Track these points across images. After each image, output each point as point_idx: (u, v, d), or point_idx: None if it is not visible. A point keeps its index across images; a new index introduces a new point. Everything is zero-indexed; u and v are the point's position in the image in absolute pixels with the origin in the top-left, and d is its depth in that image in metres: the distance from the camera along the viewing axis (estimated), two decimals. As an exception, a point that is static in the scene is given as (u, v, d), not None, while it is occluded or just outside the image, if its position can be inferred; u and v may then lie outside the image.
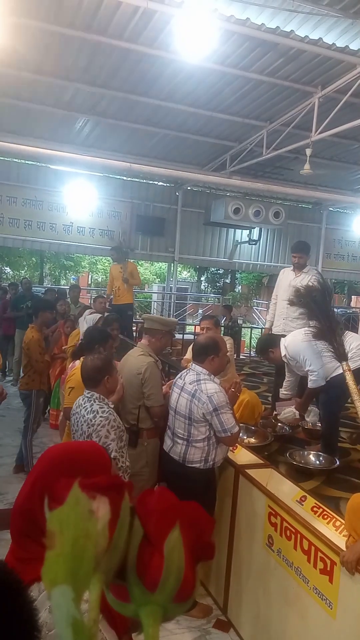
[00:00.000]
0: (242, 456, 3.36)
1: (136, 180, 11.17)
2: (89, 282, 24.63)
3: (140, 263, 17.58)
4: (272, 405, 4.71)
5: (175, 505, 0.51)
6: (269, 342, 4.17)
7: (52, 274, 23.39)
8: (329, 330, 3.41)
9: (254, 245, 12.31)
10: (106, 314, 6.00)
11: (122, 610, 0.48)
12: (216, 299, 18.96)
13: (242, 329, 12.15)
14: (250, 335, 12.58)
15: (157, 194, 11.30)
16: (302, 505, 2.72)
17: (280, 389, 4.21)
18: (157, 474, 3.38)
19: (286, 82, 6.35)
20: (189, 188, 11.43)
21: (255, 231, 12.11)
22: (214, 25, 4.90)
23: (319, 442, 3.87)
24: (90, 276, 25.00)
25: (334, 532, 2.46)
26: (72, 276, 23.06)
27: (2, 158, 9.83)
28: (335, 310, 4.14)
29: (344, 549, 2.28)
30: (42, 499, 0.71)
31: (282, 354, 3.90)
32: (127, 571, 0.47)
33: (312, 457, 3.55)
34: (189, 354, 4.06)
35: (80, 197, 10.19)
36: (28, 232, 10.20)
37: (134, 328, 8.69)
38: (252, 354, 10.76)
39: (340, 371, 3.41)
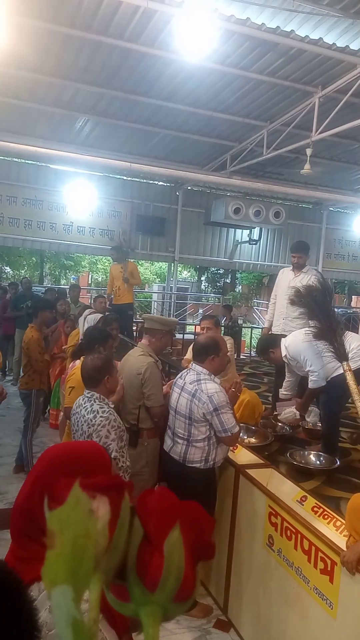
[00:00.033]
0: (243, 456, 3.36)
1: (136, 180, 11.17)
2: (89, 282, 24.63)
3: (140, 263, 17.58)
4: (272, 405, 4.70)
5: (176, 505, 0.51)
6: (270, 342, 4.17)
7: (52, 273, 23.40)
8: (329, 330, 3.41)
9: (254, 245, 12.31)
10: (106, 313, 6.00)
11: (122, 610, 0.48)
12: (216, 299, 18.96)
13: (243, 329, 12.15)
14: (251, 335, 12.58)
15: (158, 194, 11.30)
16: (303, 505, 2.72)
17: (280, 390, 4.21)
18: (158, 473, 3.38)
19: (286, 82, 6.35)
20: (189, 188, 11.43)
21: (256, 231, 12.10)
22: (214, 25, 4.90)
23: (319, 442, 3.87)
24: (90, 276, 25.00)
25: (334, 532, 2.46)
26: (72, 276, 23.05)
27: (2, 157, 9.83)
28: (336, 310, 4.14)
29: (345, 549, 2.28)
30: (42, 499, 0.71)
31: (283, 354, 3.90)
32: (127, 571, 0.47)
33: (312, 457, 3.55)
34: (189, 354, 4.06)
35: (80, 197, 10.19)
36: (28, 232, 10.20)
37: (134, 328, 8.69)
38: (253, 353, 10.76)
39: (341, 371, 3.41)
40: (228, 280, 23.06)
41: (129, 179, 11.11)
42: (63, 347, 5.98)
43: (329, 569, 2.35)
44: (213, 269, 21.88)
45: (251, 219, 10.59)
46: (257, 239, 12.21)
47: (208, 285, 24.77)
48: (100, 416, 2.64)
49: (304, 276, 4.91)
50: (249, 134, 8.26)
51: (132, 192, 10.97)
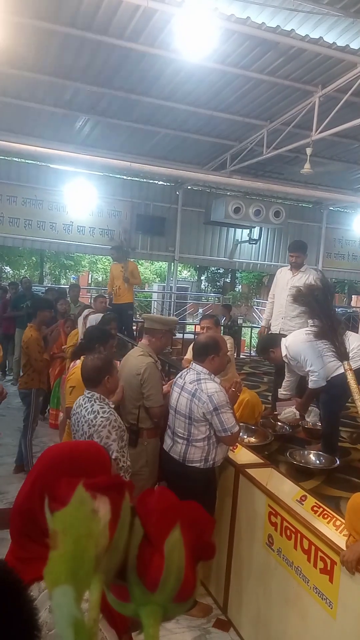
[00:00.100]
0: (242, 456, 3.36)
1: (136, 179, 11.17)
2: (89, 282, 24.63)
3: (140, 262, 17.57)
4: (272, 405, 4.70)
5: (176, 505, 0.51)
6: (270, 341, 4.16)
7: (52, 273, 23.40)
8: (330, 329, 3.41)
9: (254, 245, 12.31)
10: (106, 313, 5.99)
11: (122, 610, 0.48)
12: (216, 299, 18.97)
13: (242, 328, 12.15)
14: (251, 334, 12.58)
15: (157, 193, 11.30)
16: (302, 504, 2.72)
17: (279, 389, 4.21)
18: (157, 473, 3.38)
19: (286, 81, 6.35)
20: (189, 187, 11.43)
21: (256, 230, 12.10)
22: (215, 24, 4.90)
23: (319, 441, 3.87)
24: (90, 275, 25.01)
25: (334, 531, 2.46)
26: (72, 275, 23.06)
27: (2, 157, 9.82)
28: (336, 309, 4.14)
29: (344, 548, 2.28)
30: (42, 499, 0.71)
31: (283, 354, 3.90)
32: (128, 571, 0.47)
33: (312, 457, 3.55)
34: (189, 354, 4.06)
35: (80, 197, 10.18)
36: (28, 232, 10.20)
37: (134, 327, 8.69)
38: (253, 353, 10.76)
39: (341, 371, 3.41)
40: (228, 280, 23.06)
41: (129, 178, 11.11)
42: (63, 347, 5.98)
43: (328, 568, 2.35)
44: (213, 268, 21.88)
45: (251, 219, 10.59)
46: (257, 238, 12.21)
47: (208, 285, 24.77)
48: (101, 417, 2.64)
49: (302, 275, 4.91)
50: (249, 133, 8.25)
51: (132, 192, 10.97)
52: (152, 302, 15.38)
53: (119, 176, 11.08)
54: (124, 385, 3.33)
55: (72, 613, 0.40)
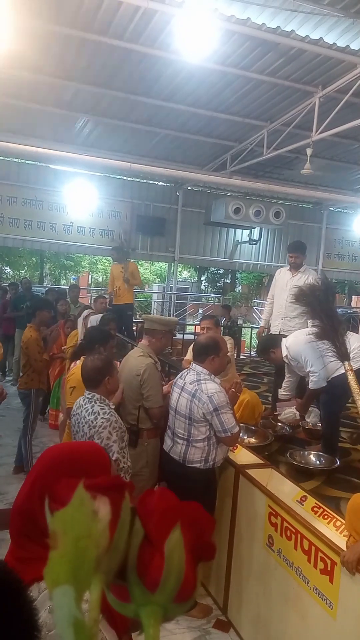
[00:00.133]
0: (243, 456, 3.36)
1: (136, 180, 11.18)
2: (89, 282, 24.63)
3: (140, 263, 17.57)
4: (272, 406, 4.70)
5: (176, 505, 0.51)
6: (271, 342, 4.16)
7: (52, 273, 23.39)
8: (331, 329, 3.41)
9: (254, 245, 12.31)
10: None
11: (122, 610, 0.48)
12: (216, 299, 18.96)
13: (242, 328, 12.14)
14: (251, 335, 12.57)
15: (158, 194, 11.30)
16: (303, 505, 2.72)
17: (280, 390, 4.21)
18: (158, 474, 3.38)
19: (287, 81, 6.35)
20: (189, 188, 11.43)
21: (256, 231, 12.10)
22: (215, 25, 4.90)
23: (319, 442, 3.87)
24: (90, 276, 25.00)
25: (334, 532, 2.46)
26: (72, 276, 23.06)
27: (2, 158, 9.83)
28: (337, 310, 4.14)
29: (345, 549, 2.28)
30: (41, 499, 0.71)
31: (284, 355, 3.90)
32: (128, 571, 0.47)
33: (312, 457, 3.55)
34: (189, 355, 4.06)
35: (80, 197, 10.19)
36: (28, 232, 10.20)
37: (134, 328, 8.69)
38: (253, 354, 10.76)
39: (341, 371, 3.41)
40: (228, 281, 23.05)
41: (129, 179, 11.11)
42: (62, 348, 5.98)
43: (328, 569, 2.35)
44: (213, 269, 21.87)
45: (251, 219, 10.59)
46: (257, 239, 12.21)
47: (208, 286, 24.77)
48: (102, 418, 2.63)
49: (302, 276, 4.91)
50: (249, 134, 8.26)
51: (132, 192, 10.97)
52: (152, 302, 15.37)
53: (119, 177, 11.08)
54: (124, 385, 3.33)
55: (72, 613, 0.40)
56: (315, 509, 2.66)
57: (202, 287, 24.60)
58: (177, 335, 9.05)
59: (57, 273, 23.42)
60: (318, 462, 3.49)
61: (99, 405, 2.71)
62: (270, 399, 5.10)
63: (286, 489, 2.91)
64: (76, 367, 3.64)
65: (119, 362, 3.56)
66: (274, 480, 3.05)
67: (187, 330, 11.23)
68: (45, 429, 6.14)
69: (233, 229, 11.93)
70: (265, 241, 12.50)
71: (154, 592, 0.46)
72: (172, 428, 3.13)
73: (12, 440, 5.48)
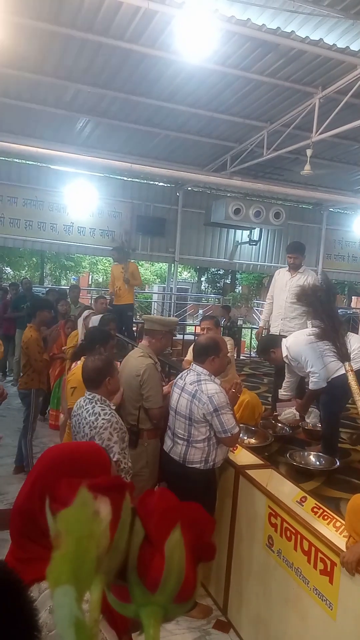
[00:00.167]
0: (243, 457, 3.36)
1: (137, 180, 11.18)
2: (90, 283, 24.63)
3: (140, 263, 17.58)
4: (272, 406, 4.70)
5: (176, 505, 0.51)
6: (271, 342, 4.16)
7: (52, 274, 23.40)
8: (332, 330, 3.41)
9: (254, 246, 12.31)
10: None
11: (123, 610, 0.48)
12: (216, 300, 18.96)
13: (242, 329, 12.15)
14: (250, 335, 12.57)
15: (158, 195, 11.31)
16: (303, 506, 2.72)
17: (280, 390, 4.21)
18: (158, 474, 3.38)
19: (287, 82, 6.36)
20: (189, 188, 11.44)
21: (256, 232, 12.11)
22: (215, 26, 4.90)
23: (319, 442, 3.87)
24: (90, 276, 25.01)
25: (334, 532, 2.46)
26: (73, 276, 23.07)
27: (3, 158, 9.84)
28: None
29: (344, 549, 2.28)
30: (42, 499, 0.71)
31: (284, 355, 3.90)
32: (128, 571, 0.47)
33: (312, 458, 3.55)
34: (189, 355, 4.06)
35: (80, 198, 10.19)
36: (29, 232, 10.21)
37: (134, 328, 8.70)
38: (253, 354, 10.76)
39: (342, 372, 3.42)
40: (228, 281, 23.05)
41: (129, 179, 11.12)
42: (63, 348, 5.98)
43: (328, 569, 2.35)
44: (213, 269, 21.86)
45: (251, 220, 10.59)
46: (257, 239, 12.22)
47: (208, 286, 24.77)
48: (102, 418, 2.63)
49: (301, 276, 4.92)
50: (249, 134, 8.26)
51: (133, 193, 10.98)
52: (152, 303, 15.37)
53: (119, 177, 11.09)
54: (124, 386, 3.33)
55: (73, 613, 0.40)
56: (315, 509, 2.66)
57: (202, 287, 24.60)
58: (177, 335, 9.05)
59: (57, 273, 23.42)
60: (318, 463, 3.49)
61: (99, 406, 2.70)
62: (270, 399, 5.10)
63: (286, 490, 2.91)
64: (77, 367, 3.64)
65: (119, 363, 3.56)
66: (274, 480, 3.05)
67: (187, 331, 11.24)
68: (46, 429, 6.14)
69: (233, 230, 11.93)
70: (265, 242, 12.51)
71: (154, 592, 0.46)
72: (172, 428, 3.13)
73: (13, 441, 5.48)
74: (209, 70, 6.06)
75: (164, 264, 16.12)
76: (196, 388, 2.98)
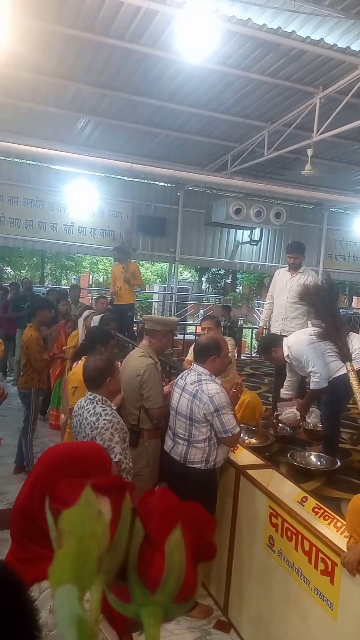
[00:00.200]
0: (243, 457, 3.36)
1: (137, 180, 11.18)
2: (90, 282, 24.64)
3: (141, 263, 17.57)
4: (272, 406, 4.70)
5: (176, 505, 0.51)
6: (272, 341, 4.16)
7: (53, 274, 23.40)
8: (334, 330, 3.40)
9: (255, 246, 12.31)
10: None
11: (123, 610, 0.48)
12: (217, 300, 18.96)
13: (243, 329, 12.15)
14: (251, 335, 12.56)
15: (158, 194, 11.31)
16: (303, 506, 2.72)
17: (282, 389, 4.21)
18: (158, 474, 3.38)
19: (287, 82, 6.35)
20: (190, 188, 11.43)
21: (257, 231, 12.11)
22: (216, 26, 4.90)
23: (320, 443, 3.87)
24: (91, 276, 25.01)
25: (335, 533, 2.45)
26: (73, 276, 23.07)
27: (3, 158, 9.84)
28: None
29: (345, 550, 2.28)
30: (42, 499, 0.71)
31: (285, 354, 3.89)
32: (128, 571, 0.47)
33: (313, 458, 3.55)
34: (190, 355, 4.06)
35: (81, 197, 10.19)
36: (29, 232, 10.21)
37: (135, 328, 8.70)
38: (253, 354, 10.76)
39: (343, 372, 3.41)
40: (229, 281, 23.05)
41: (129, 179, 11.12)
42: (63, 348, 5.98)
43: (329, 570, 2.35)
44: (214, 269, 21.87)
45: (252, 220, 10.59)
46: (257, 239, 12.21)
47: (209, 286, 24.77)
48: (104, 419, 2.62)
49: (301, 276, 4.92)
50: (250, 134, 8.26)
51: (133, 193, 10.98)
52: (153, 302, 15.37)
53: (120, 177, 11.09)
54: (124, 385, 3.33)
55: (74, 612, 0.40)
56: (316, 509, 2.66)
57: (203, 287, 24.60)
58: (178, 335, 9.05)
59: (58, 273, 23.42)
60: (319, 463, 3.49)
61: (100, 407, 2.70)
62: (271, 399, 5.09)
63: (287, 490, 2.91)
64: (78, 366, 3.64)
65: (119, 363, 3.56)
66: (275, 480, 3.05)
67: (188, 331, 11.23)
68: (46, 429, 6.14)
69: (234, 230, 11.93)
70: (266, 242, 12.50)
71: (155, 592, 0.46)
72: (173, 428, 3.13)
73: (13, 440, 5.48)
74: (209, 70, 6.06)
75: (165, 263, 16.12)
76: (197, 388, 2.98)
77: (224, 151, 9.21)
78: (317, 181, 10.03)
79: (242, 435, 3.42)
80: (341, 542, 2.36)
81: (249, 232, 11.98)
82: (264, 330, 5.27)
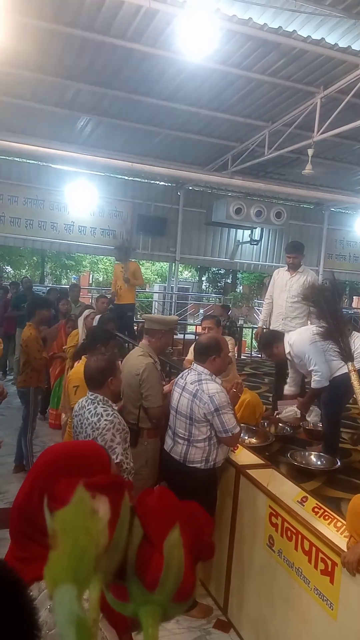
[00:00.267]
0: (243, 456, 3.36)
1: (137, 179, 11.18)
2: (90, 282, 24.63)
3: (141, 263, 17.56)
4: (273, 406, 4.70)
5: (175, 505, 0.51)
6: (273, 337, 4.15)
7: (53, 273, 23.38)
8: (336, 330, 3.40)
9: (255, 246, 12.31)
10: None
11: (121, 609, 0.48)
12: (217, 299, 18.95)
13: (243, 329, 12.14)
14: (251, 335, 12.56)
15: (159, 194, 11.31)
16: (303, 505, 2.71)
17: (285, 385, 4.21)
18: (158, 474, 3.37)
19: (288, 82, 6.35)
20: (190, 188, 11.43)
21: (257, 231, 12.10)
22: (216, 25, 4.90)
23: (320, 442, 3.87)
24: (91, 275, 25.00)
25: (335, 532, 2.45)
26: (73, 275, 23.06)
27: (3, 157, 9.83)
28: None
29: (345, 549, 2.28)
30: (41, 499, 0.70)
31: (287, 351, 3.89)
32: (127, 570, 0.47)
33: (313, 458, 3.54)
34: (190, 355, 4.06)
35: (81, 197, 10.19)
36: (29, 232, 10.21)
37: (135, 327, 8.69)
38: (253, 354, 10.76)
39: (344, 371, 3.41)
40: (229, 281, 23.04)
41: (130, 178, 11.11)
42: (63, 348, 5.98)
43: (329, 569, 2.35)
44: (214, 269, 21.87)
45: (252, 219, 10.59)
46: (258, 239, 12.21)
47: (209, 286, 24.76)
48: (105, 419, 2.62)
49: (301, 276, 4.91)
50: (251, 134, 8.25)
51: (134, 192, 10.98)
52: (153, 302, 15.37)
53: (120, 176, 11.09)
54: (124, 385, 3.33)
55: (74, 612, 0.40)
56: (316, 509, 2.65)
57: (203, 287, 24.60)
58: (178, 335, 9.04)
59: (58, 272, 23.41)
60: (319, 463, 3.49)
61: (102, 407, 2.69)
62: (271, 399, 5.09)
63: (287, 490, 2.91)
64: (79, 365, 3.64)
65: (120, 362, 3.55)
66: (275, 480, 3.05)
67: (188, 330, 11.22)
68: (46, 429, 6.14)
69: (234, 229, 11.93)
70: (267, 241, 12.50)
71: (153, 591, 0.46)
72: (173, 428, 3.13)
73: (13, 440, 5.48)
74: (210, 70, 6.06)
75: (165, 263, 16.11)
76: (197, 387, 2.98)
77: (224, 151, 9.21)
78: (318, 181, 10.03)
79: (242, 434, 3.42)
80: (341, 542, 2.36)
81: (249, 231, 11.98)
82: (263, 330, 5.27)
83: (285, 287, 4.95)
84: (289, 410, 3.96)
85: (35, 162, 10.11)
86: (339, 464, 3.37)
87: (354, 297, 21.32)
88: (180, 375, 3.29)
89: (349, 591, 2.25)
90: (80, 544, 0.42)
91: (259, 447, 3.61)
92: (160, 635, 0.45)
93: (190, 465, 3.01)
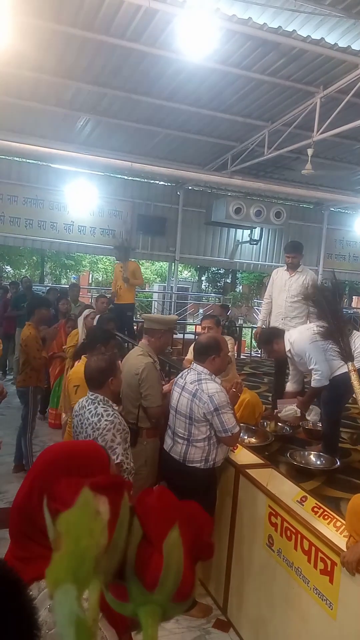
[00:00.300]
0: (243, 456, 3.36)
1: (137, 179, 11.18)
2: (90, 282, 24.62)
3: (141, 262, 17.55)
4: (272, 405, 4.70)
5: (175, 504, 0.51)
6: (273, 333, 4.15)
7: (52, 273, 23.36)
8: (337, 329, 3.40)
9: (255, 245, 12.31)
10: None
11: (121, 609, 0.48)
12: (217, 299, 18.95)
13: (243, 328, 12.15)
14: (251, 335, 12.56)
15: (158, 194, 11.30)
16: (303, 505, 2.72)
17: (287, 383, 4.21)
18: (157, 473, 3.38)
19: (288, 82, 6.35)
20: (190, 188, 11.43)
21: (257, 231, 12.10)
22: (216, 25, 4.90)
23: (319, 442, 3.87)
24: (91, 275, 24.99)
25: (334, 532, 2.45)
26: (73, 275, 23.05)
27: (3, 157, 9.83)
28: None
29: (345, 549, 2.28)
30: (40, 498, 0.71)
31: (287, 349, 3.89)
32: (127, 570, 0.47)
33: (312, 458, 3.55)
34: (190, 354, 4.06)
35: (81, 196, 10.19)
36: (29, 231, 10.21)
37: (135, 327, 8.69)
38: (253, 353, 10.76)
39: (344, 370, 3.41)
40: (228, 280, 23.02)
41: (129, 178, 11.11)
42: (63, 347, 5.97)
43: (328, 569, 2.35)
44: (213, 268, 21.86)
45: (252, 219, 10.59)
46: (257, 239, 12.21)
47: (208, 285, 24.74)
48: (105, 420, 2.62)
49: (300, 276, 4.92)
50: (250, 134, 8.25)
51: (133, 192, 10.97)
52: (153, 302, 15.37)
53: (119, 176, 11.08)
54: (124, 384, 3.33)
55: (73, 611, 0.40)
56: (316, 509, 2.66)
57: (203, 287, 24.59)
58: (178, 334, 9.04)
59: (57, 272, 23.39)
60: (318, 463, 3.49)
61: (102, 407, 2.69)
62: (270, 398, 5.09)
63: (286, 489, 2.91)
64: (79, 365, 3.63)
65: (119, 361, 3.55)
66: (274, 480, 3.05)
67: (188, 330, 11.23)
68: (46, 428, 6.14)
69: (234, 229, 11.93)
70: (266, 241, 12.50)
71: (153, 591, 0.46)
72: (173, 428, 3.13)
73: (13, 439, 5.48)
74: (210, 69, 6.06)
75: (165, 263, 16.11)
76: (197, 387, 2.98)
77: (224, 150, 9.21)
78: (317, 181, 10.03)
79: (241, 434, 3.42)
80: (340, 541, 2.36)
81: (249, 231, 11.98)
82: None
83: (285, 286, 4.96)
84: (289, 409, 3.96)
85: (34, 161, 10.11)
86: (338, 463, 3.38)
87: (354, 297, 21.31)
88: (179, 374, 3.29)
89: (349, 591, 2.25)
90: (82, 545, 0.42)
91: (258, 447, 3.61)
92: (160, 635, 0.45)
93: (190, 464, 3.01)
